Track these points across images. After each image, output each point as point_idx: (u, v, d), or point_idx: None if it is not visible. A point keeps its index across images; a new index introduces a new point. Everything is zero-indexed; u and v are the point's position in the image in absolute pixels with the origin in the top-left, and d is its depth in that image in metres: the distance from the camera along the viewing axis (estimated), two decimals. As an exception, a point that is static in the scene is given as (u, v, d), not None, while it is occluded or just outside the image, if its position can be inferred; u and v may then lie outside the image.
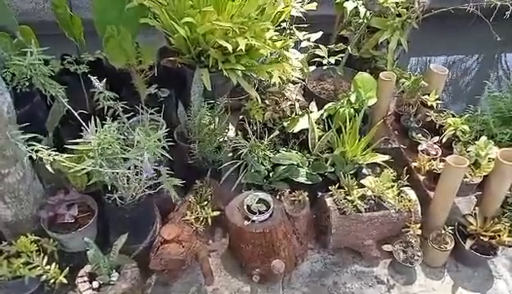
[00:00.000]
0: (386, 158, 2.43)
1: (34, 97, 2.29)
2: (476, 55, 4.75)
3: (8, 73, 1.86)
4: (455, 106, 3.52)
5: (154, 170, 1.90)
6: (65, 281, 1.86)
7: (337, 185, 2.30)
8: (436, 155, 2.48)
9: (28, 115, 1.98)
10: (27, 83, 1.89)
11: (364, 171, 2.47)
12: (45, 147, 1.78)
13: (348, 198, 2.25)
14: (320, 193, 2.34)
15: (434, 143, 2.55)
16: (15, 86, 1.89)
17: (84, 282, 1.86)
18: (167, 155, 1.87)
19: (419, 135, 2.63)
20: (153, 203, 2.17)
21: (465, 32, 3.88)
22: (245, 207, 2.11)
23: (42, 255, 1.90)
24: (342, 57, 2.79)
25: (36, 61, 1.80)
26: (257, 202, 2.13)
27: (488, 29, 2.71)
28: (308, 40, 2.79)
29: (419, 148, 2.52)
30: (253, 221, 2.08)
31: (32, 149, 1.73)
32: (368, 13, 2.78)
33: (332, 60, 2.76)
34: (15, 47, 2.14)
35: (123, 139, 1.88)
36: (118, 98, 1.90)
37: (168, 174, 1.93)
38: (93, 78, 1.81)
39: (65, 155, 1.80)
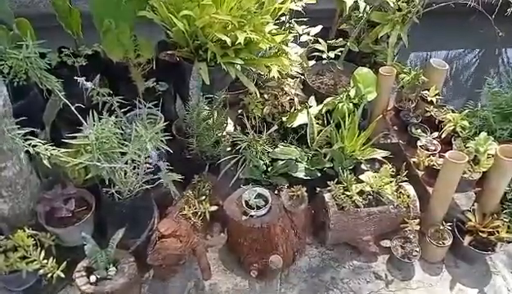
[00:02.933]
0: (385, 153, 2.42)
1: (31, 91, 2.28)
2: (476, 51, 4.73)
3: (5, 66, 1.85)
4: (455, 101, 3.50)
5: (154, 165, 1.90)
6: (62, 275, 1.85)
7: (335, 181, 2.29)
8: (435, 151, 2.47)
9: (24, 109, 1.97)
10: (24, 76, 1.88)
11: (363, 166, 2.46)
12: (42, 141, 1.76)
13: (347, 193, 2.24)
14: (318, 189, 2.33)
15: (434, 138, 2.54)
16: (11, 79, 1.88)
17: (82, 276, 1.86)
18: (166, 148, 1.86)
19: (419, 130, 2.62)
20: (151, 198, 2.17)
21: (466, 27, 3.86)
22: (243, 202, 2.11)
23: (39, 249, 1.90)
24: (341, 52, 2.77)
25: (32, 54, 1.79)
26: (255, 198, 2.12)
27: (489, 25, 2.69)
28: (308, 34, 2.77)
29: (419, 143, 2.51)
30: (252, 216, 2.07)
31: (29, 144, 1.72)
32: (368, 7, 2.75)
33: (331, 54, 2.74)
34: (11, 40, 2.13)
35: (121, 133, 1.87)
36: (115, 92, 1.89)
37: (167, 169, 1.92)
38: (81, 79, 1.78)
39: (63, 150, 1.79)
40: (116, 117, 1.87)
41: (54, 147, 1.77)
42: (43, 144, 1.74)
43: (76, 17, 2.45)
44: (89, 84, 1.79)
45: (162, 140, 1.85)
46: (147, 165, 1.89)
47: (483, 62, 4.64)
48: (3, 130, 1.75)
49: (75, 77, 1.81)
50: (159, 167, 1.88)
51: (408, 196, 2.28)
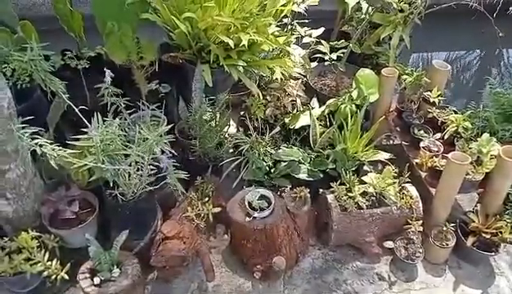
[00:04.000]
0: (387, 155, 2.42)
1: (35, 93, 2.28)
2: (478, 51, 4.73)
3: (8, 69, 1.86)
4: (457, 102, 3.50)
5: (156, 166, 1.90)
6: (66, 277, 1.86)
7: (338, 182, 2.29)
8: (438, 152, 2.47)
9: (28, 111, 1.97)
10: (27, 79, 1.88)
11: (365, 167, 2.46)
12: (48, 141, 1.77)
13: (350, 194, 2.24)
14: (321, 190, 2.33)
15: (436, 139, 2.54)
16: (15, 81, 1.88)
17: (85, 278, 1.86)
18: (170, 150, 1.86)
19: (421, 131, 2.62)
20: (154, 200, 2.17)
21: (468, 28, 3.86)
22: (246, 204, 2.11)
23: (43, 251, 1.90)
24: (343, 53, 2.77)
25: (36, 57, 1.79)
26: (258, 199, 2.13)
27: (490, 26, 2.69)
28: (310, 36, 2.77)
29: (421, 144, 2.51)
30: (255, 218, 2.08)
31: (36, 143, 1.72)
32: (370, 8, 2.76)
33: (334, 55, 2.75)
34: (15, 43, 2.13)
35: (124, 135, 1.87)
36: (120, 94, 1.89)
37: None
38: (107, 71, 1.79)
39: (68, 151, 1.80)
40: (120, 119, 1.87)
41: (60, 148, 1.78)
42: (50, 144, 1.75)
43: (78, 20, 2.45)
44: (109, 78, 1.79)
45: (165, 143, 1.86)
46: (151, 167, 1.89)
47: (485, 63, 4.63)
48: (8, 131, 1.76)
49: (104, 69, 1.81)
50: (166, 167, 1.88)
51: (411, 197, 2.29)
